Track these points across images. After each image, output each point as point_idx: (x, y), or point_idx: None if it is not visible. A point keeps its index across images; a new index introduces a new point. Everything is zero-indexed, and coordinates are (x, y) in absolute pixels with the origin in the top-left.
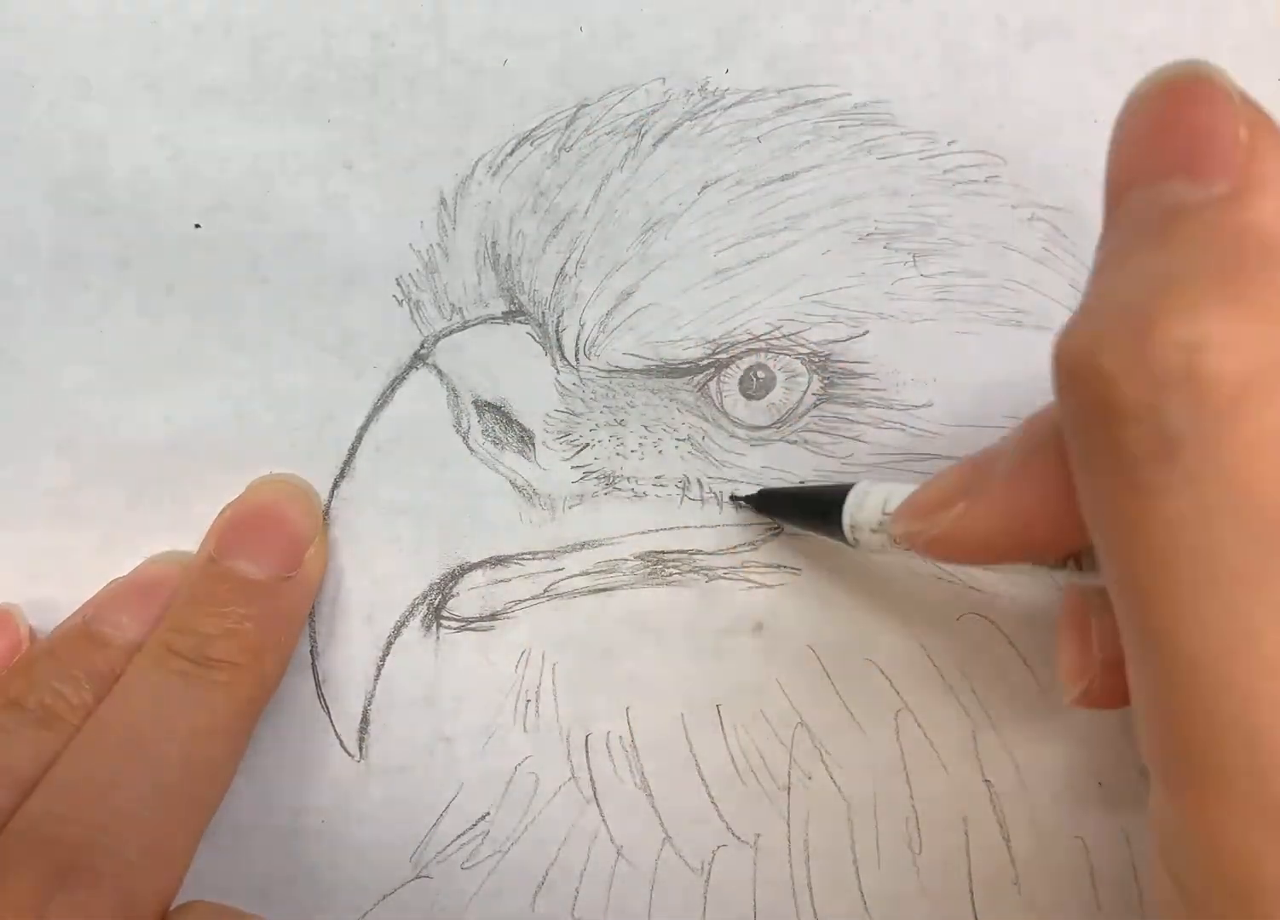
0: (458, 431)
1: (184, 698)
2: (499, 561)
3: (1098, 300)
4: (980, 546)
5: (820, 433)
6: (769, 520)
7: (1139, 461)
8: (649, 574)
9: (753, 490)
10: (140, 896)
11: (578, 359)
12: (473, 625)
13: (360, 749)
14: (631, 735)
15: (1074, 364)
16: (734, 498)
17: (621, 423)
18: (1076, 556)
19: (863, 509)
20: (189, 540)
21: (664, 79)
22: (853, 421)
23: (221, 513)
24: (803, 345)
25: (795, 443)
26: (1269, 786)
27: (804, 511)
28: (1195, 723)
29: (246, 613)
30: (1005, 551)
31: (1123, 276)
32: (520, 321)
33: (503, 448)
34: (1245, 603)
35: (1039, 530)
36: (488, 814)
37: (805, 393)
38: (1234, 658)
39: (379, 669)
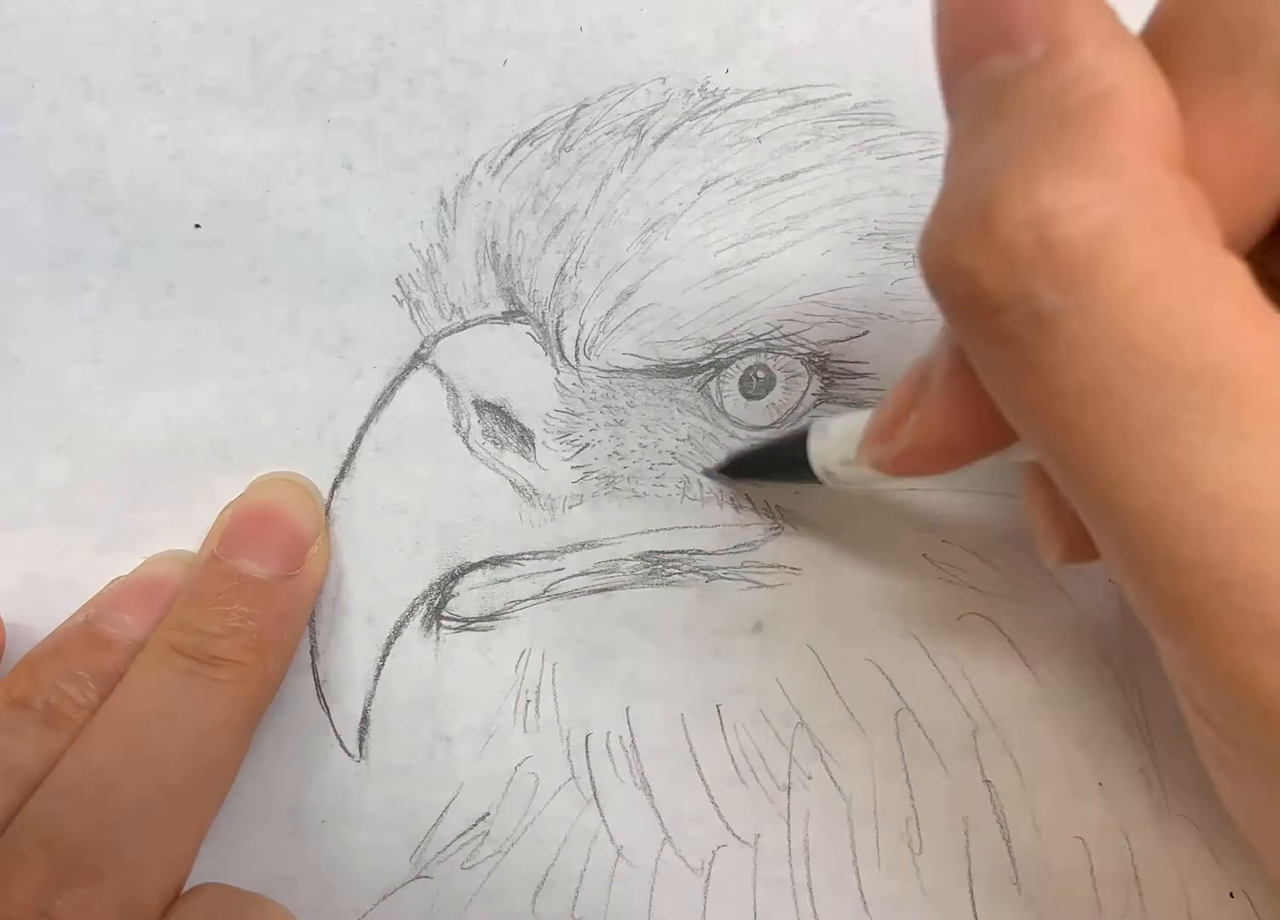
0: (458, 431)
1: (188, 696)
2: (499, 561)
3: (945, 198)
4: (943, 453)
5: None
6: (769, 518)
7: (1023, 346)
8: (649, 574)
9: (720, 462)
10: (144, 894)
11: (578, 359)
12: (473, 625)
13: (360, 749)
14: (631, 735)
15: (934, 267)
16: (706, 471)
17: (621, 423)
18: None
19: (826, 449)
20: (189, 540)
21: (664, 79)
22: None
23: (224, 511)
24: (803, 345)
25: None
26: (1247, 610)
27: (775, 468)
28: (1161, 574)
29: (250, 611)
30: (968, 450)
31: (963, 168)
32: (520, 321)
33: (503, 448)
34: (1164, 448)
35: (990, 421)
36: (488, 814)
37: (805, 393)
38: (1171, 501)
39: (379, 669)
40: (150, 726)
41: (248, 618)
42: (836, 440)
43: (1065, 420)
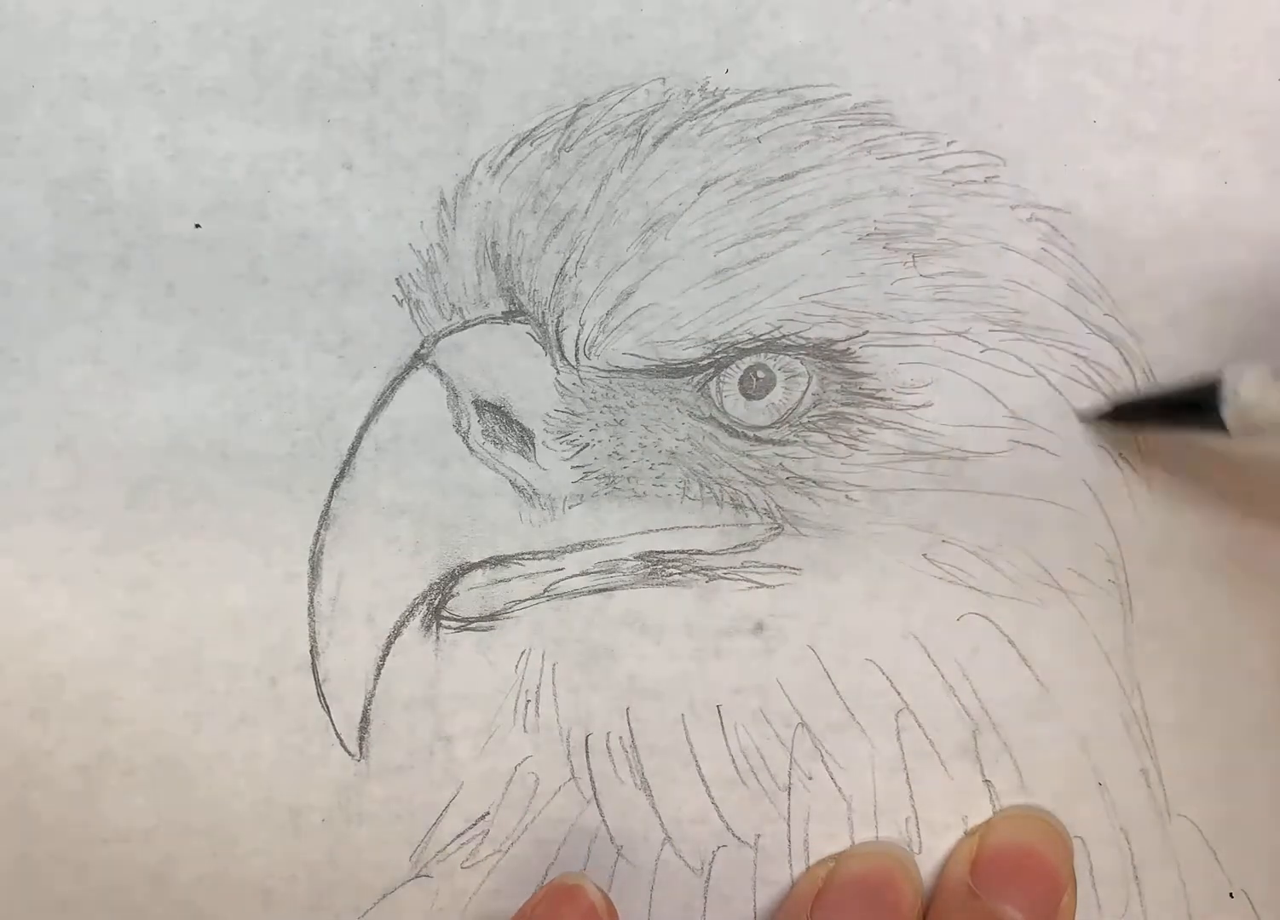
0: (458, 431)
1: None
2: (499, 561)
3: None
4: None
5: (820, 432)
6: (769, 518)
7: None
8: (649, 574)
9: (1100, 407)
10: None
11: (578, 359)
12: (473, 625)
13: (360, 749)
14: (631, 735)
15: None
16: (1083, 416)
17: (621, 423)
18: None
19: (1253, 404)
20: (189, 541)
21: (664, 79)
22: (853, 421)
23: (969, 838)
24: (803, 345)
25: (795, 443)
26: None
27: (1171, 417)
28: None
29: None
30: None
31: None
32: (520, 321)
33: (503, 448)
34: None
35: None
36: (487, 813)
37: (805, 393)
38: None
39: (379, 669)
40: None
41: None
42: (1261, 379)
43: None
